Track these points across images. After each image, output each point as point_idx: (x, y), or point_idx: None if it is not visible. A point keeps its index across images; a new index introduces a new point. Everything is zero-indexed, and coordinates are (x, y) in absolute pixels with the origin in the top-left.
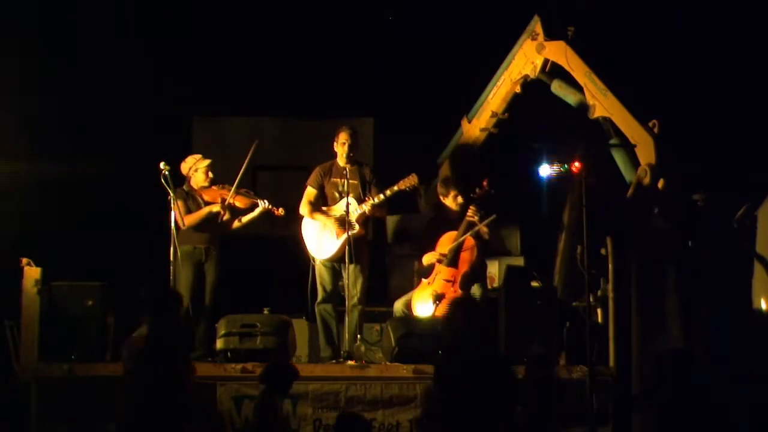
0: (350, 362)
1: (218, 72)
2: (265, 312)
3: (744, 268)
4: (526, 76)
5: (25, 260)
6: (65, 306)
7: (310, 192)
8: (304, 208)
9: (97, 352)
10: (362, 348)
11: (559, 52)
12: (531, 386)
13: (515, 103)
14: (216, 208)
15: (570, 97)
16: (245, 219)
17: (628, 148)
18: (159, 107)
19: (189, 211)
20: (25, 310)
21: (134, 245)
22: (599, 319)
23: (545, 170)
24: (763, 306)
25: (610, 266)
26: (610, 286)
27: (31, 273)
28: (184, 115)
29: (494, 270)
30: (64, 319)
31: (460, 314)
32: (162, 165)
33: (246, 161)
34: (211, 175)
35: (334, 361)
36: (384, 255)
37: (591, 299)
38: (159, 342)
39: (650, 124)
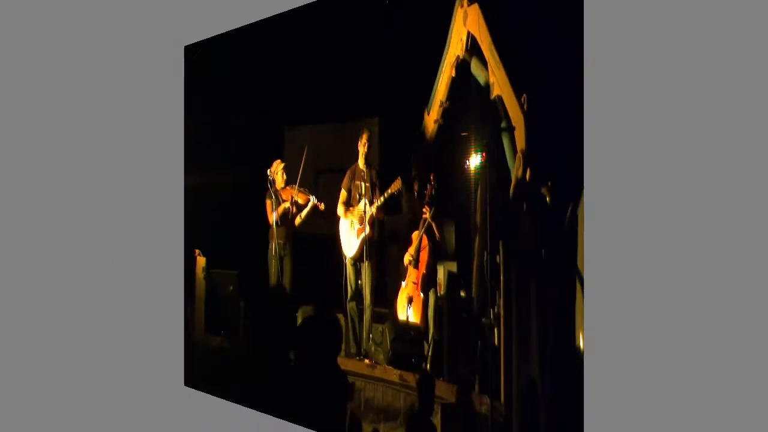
0: (366, 361)
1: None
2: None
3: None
4: (458, 57)
5: (197, 251)
6: (216, 289)
7: (343, 194)
8: (339, 209)
9: (232, 330)
10: (372, 348)
11: (475, 20)
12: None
13: (454, 89)
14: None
15: (481, 77)
16: (303, 214)
17: (512, 132)
18: None
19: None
20: (197, 291)
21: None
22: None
23: (471, 162)
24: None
25: (501, 276)
26: (500, 301)
27: (201, 261)
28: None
29: (441, 275)
30: (215, 300)
31: None
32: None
33: (302, 162)
34: (284, 176)
35: (357, 357)
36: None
37: (491, 316)
38: None
39: (521, 99)
